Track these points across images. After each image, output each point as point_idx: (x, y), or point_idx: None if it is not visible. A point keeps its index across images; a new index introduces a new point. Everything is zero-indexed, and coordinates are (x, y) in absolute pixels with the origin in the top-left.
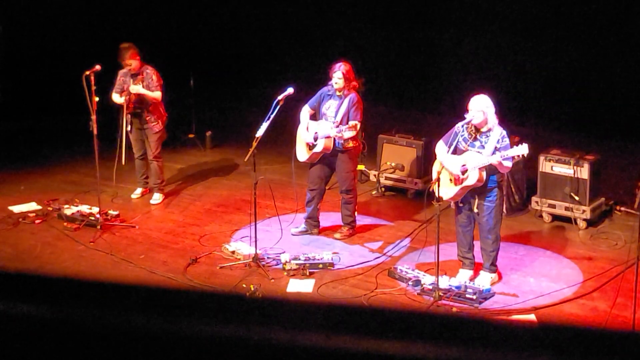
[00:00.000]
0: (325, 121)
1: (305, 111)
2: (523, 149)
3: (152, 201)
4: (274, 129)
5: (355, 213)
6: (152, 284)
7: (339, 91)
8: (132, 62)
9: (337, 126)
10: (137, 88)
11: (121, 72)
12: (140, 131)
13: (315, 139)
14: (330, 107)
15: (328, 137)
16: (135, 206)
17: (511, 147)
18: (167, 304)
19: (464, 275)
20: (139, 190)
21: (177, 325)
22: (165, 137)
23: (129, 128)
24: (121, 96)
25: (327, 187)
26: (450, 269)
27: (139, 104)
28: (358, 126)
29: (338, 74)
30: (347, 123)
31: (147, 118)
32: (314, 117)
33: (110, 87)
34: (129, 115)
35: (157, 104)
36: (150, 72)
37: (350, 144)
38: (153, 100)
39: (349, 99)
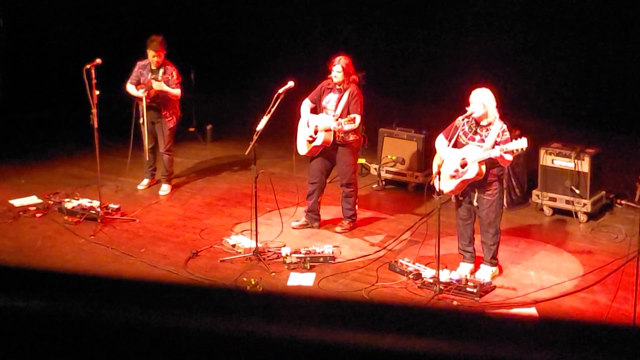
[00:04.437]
0: (326, 115)
1: (306, 105)
2: (522, 143)
3: (160, 192)
4: (274, 122)
5: (356, 206)
6: (152, 278)
7: (339, 85)
8: (160, 55)
9: (337, 119)
10: (160, 85)
11: (140, 63)
12: (152, 125)
13: (316, 132)
14: (330, 100)
15: (328, 130)
16: (136, 200)
17: (511, 140)
18: (167, 298)
19: (464, 269)
20: (145, 181)
21: (177, 320)
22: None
23: (141, 120)
24: (138, 88)
25: (327, 181)
26: (450, 262)
27: (156, 99)
28: (358, 119)
29: (337, 68)
30: (348, 116)
31: (164, 113)
32: (315, 110)
33: (111, 80)
34: (144, 108)
35: (174, 101)
36: (170, 69)
37: (351, 137)
38: (173, 97)
39: (348, 93)
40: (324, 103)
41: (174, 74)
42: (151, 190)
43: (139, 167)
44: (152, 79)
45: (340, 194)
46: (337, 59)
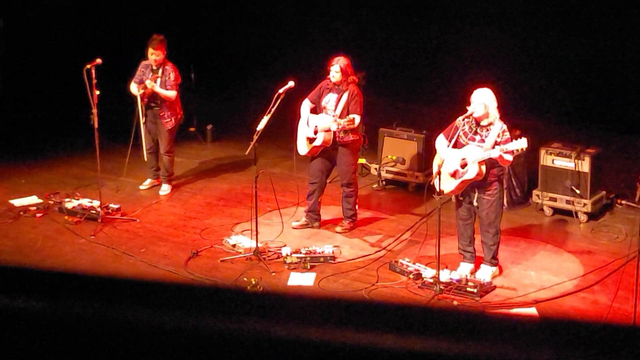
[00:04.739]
0: (326, 115)
1: (306, 105)
2: (522, 143)
3: (161, 192)
4: (274, 122)
5: (356, 206)
6: (152, 278)
7: (338, 85)
8: (158, 53)
9: (336, 120)
10: (152, 84)
11: (143, 63)
12: (152, 125)
13: (316, 132)
14: (330, 100)
15: (328, 130)
16: (136, 200)
17: (511, 140)
18: (167, 298)
19: (464, 269)
20: (148, 181)
21: (177, 320)
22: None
23: (143, 120)
24: (138, 88)
25: (328, 181)
26: (451, 262)
27: (154, 99)
28: (357, 120)
29: (335, 68)
30: (347, 117)
31: (161, 114)
32: (315, 110)
33: (111, 80)
34: (144, 108)
35: (173, 102)
36: (169, 69)
37: (351, 138)
38: (166, 98)
39: (348, 93)
40: (323, 103)
41: (172, 75)
42: (151, 190)
43: (139, 167)
44: (149, 78)
45: (341, 194)
46: (336, 59)
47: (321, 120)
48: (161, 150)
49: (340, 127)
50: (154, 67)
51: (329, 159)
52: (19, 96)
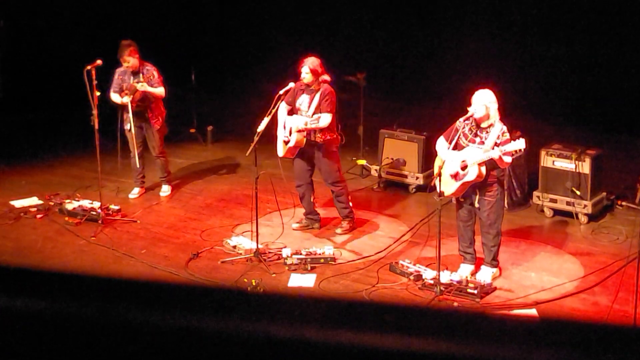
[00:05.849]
0: (300, 116)
1: (282, 107)
2: (520, 144)
3: (161, 193)
4: (275, 123)
5: (350, 203)
6: (153, 279)
7: (310, 85)
8: (130, 60)
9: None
10: (143, 85)
11: (119, 70)
12: (139, 129)
13: (291, 133)
14: (303, 102)
15: (299, 131)
16: (136, 201)
17: (511, 142)
18: (168, 299)
19: (465, 270)
20: (136, 190)
21: (178, 320)
22: (166, 131)
23: (127, 127)
24: (122, 96)
25: (325, 182)
26: (451, 263)
27: (142, 102)
28: (325, 119)
29: (305, 69)
30: (314, 116)
31: (149, 115)
32: (292, 112)
33: (110, 83)
34: (131, 114)
35: (158, 100)
36: (150, 69)
37: (327, 137)
38: (157, 96)
39: (320, 93)
40: (297, 104)
41: (155, 73)
42: (152, 192)
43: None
44: (135, 82)
45: (332, 195)
46: (306, 59)
47: (295, 121)
48: (153, 154)
49: (307, 126)
50: (134, 72)
51: (308, 159)
52: (19, 96)
